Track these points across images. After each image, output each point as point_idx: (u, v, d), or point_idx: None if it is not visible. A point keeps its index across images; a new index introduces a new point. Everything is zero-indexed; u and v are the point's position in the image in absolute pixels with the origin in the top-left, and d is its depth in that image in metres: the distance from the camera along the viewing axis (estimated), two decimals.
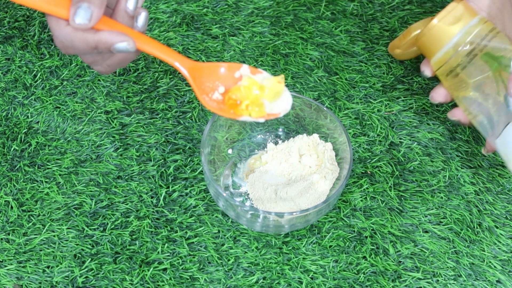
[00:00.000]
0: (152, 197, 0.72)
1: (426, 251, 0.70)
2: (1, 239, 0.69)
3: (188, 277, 0.67)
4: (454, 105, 0.75)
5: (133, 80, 0.82)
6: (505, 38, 0.68)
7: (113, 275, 0.67)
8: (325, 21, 0.89)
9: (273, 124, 0.75)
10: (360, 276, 0.68)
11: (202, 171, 0.74)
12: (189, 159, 0.75)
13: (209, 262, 0.68)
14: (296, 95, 0.71)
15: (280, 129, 0.75)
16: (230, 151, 0.74)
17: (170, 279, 0.67)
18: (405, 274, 0.68)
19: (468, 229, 0.72)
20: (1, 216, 0.70)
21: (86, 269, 0.67)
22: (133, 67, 0.83)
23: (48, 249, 0.69)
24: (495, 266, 0.69)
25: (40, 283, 0.67)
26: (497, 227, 0.72)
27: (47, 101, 0.79)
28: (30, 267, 0.67)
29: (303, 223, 0.67)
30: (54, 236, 0.69)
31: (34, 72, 0.82)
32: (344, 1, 0.91)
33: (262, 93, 0.58)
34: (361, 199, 0.73)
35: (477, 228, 0.72)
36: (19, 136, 0.76)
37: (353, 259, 0.69)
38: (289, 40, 0.87)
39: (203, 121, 0.78)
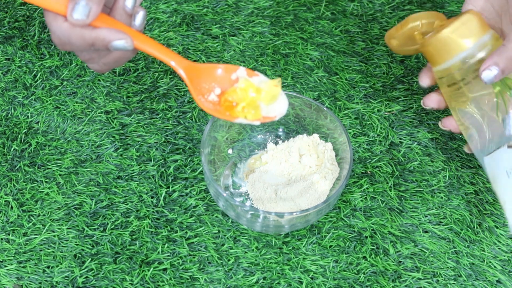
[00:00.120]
0: (152, 197, 0.72)
1: (426, 251, 0.70)
2: (1, 239, 0.69)
3: (188, 277, 0.67)
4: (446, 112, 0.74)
5: (133, 80, 0.82)
6: None
7: (113, 275, 0.67)
8: (325, 21, 0.89)
9: (273, 124, 0.75)
10: (360, 276, 0.68)
11: (202, 171, 0.74)
12: (189, 159, 0.75)
13: (209, 262, 0.68)
14: (296, 95, 0.71)
15: (280, 129, 0.75)
16: (230, 151, 0.74)
17: (170, 279, 0.67)
18: (405, 274, 0.68)
19: (468, 229, 0.72)
20: (1, 216, 0.70)
21: (86, 269, 0.67)
22: (133, 67, 0.83)
23: (48, 249, 0.69)
24: (495, 266, 0.69)
25: (40, 283, 0.67)
26: (497, 227, 0.72)
27: (47, 101, 0.79)
28: (30, 267, 0.67)
29: (303, 223, 0.67)
30: (54, 236, 0.69)
31: (34, 72, 0.82)
32: (344, 1, 0.91)
33: (258, 95, 0.59)
34: (361, 199, 0.73)
35: (477, 228, 0.72)
36: (19, 136, 0.76)
37: (353, 259, 0.69)
38: (289, 40, 0.87)
39: (203, 121, 0.78)
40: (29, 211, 0.71)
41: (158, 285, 0.67)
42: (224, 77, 0.59)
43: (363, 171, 0.75)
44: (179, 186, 0.73)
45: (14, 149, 0.75)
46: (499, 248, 0.71)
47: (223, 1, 0.90)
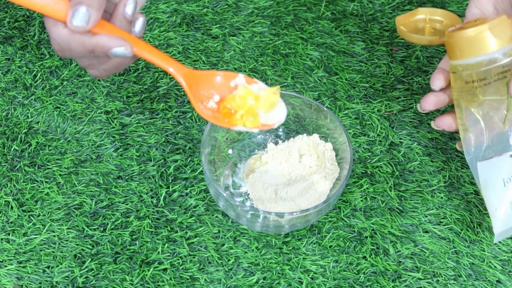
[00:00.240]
0: (152, 197, 0.72)
1: (426, 251, 0.70)
2: (1, 239, 0.69)
3: (188, 277, 0.67)
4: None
5: (133, 80, 0.82)
6: None
7: (113, 275, 0.67)
8: (325, 21, 0.89)
9: None
10: (360, 276, 0.68)
11: (202, 171, 0.74)
12: (189, 159, 0.75)
13: (209, 262, 0.68)
14: (296, 95, 0.71)
15: (280, 129, 0.75)
16: (230, 151, 0.74)
17: (170, 279, 0.67)
18: (405, 274, 0.68)
19: (468, 229, 0.72)
20: (1, 216, 0.70)
21: (86, 269, 0.67)
22: (133, 67, 0.83)
23: (48, 249, 0.69)
24: (495, 266, 0.69)
25: (40, 283, 0.67)
26: None
27: (47, 101, 0.79)
28: (30, 267, 0.67)
29: (303, 223, 0.67)
30: (54, 236, 0.69)
31: (34, 72, 0.82)
32: (344, 1, 0.91)
33: (257, 103, 0.59)
34: (361, 199, 0.73)
35: (477, 228, 0.72)
36: (19, 136, 0.76)
37: (353, 259, 0.69)
38: (289, 40, 0.87)
39: (203, 121, 0.78)
40: (29, 211, 0.71)
41: (158, 285, 0.67)
42: (223, 84, 0.60)
43: (363, 171, 0.75)
44: (179, 186, 0.73)
45: (14, 149, 0.75)
46: (499, 248, 0.71)
47: (223, 1, 0.90)
